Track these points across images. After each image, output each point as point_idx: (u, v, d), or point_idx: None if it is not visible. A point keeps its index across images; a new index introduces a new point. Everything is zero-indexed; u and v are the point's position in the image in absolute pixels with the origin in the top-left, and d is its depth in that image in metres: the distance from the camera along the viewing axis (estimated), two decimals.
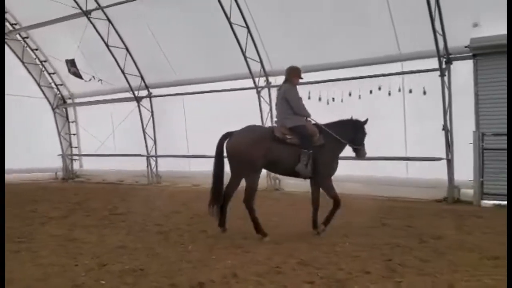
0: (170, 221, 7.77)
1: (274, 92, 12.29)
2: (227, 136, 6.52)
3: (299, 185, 11.87)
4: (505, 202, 8.80)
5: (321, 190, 6.68)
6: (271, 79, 12.19)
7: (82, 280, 4.34)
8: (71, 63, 14.34)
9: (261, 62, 11.95)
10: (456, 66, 9.46)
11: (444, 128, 9.50)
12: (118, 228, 7.06)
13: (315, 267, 4.84)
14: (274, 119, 6.95)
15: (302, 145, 6.40)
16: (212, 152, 12.36)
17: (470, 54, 9.10)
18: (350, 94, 10.46)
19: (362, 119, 6.91)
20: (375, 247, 5.71)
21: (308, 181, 6.79)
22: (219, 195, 6.53)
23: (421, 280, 4.37)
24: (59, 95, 16.75)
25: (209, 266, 4.93)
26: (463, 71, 9.35)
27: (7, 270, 4.56)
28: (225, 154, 6.58)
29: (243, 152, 6.27)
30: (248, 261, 5.09)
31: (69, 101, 16.92)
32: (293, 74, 6.74)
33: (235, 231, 6.74)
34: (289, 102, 6.51)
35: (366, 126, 6.95)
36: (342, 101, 10.57)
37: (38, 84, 16.16)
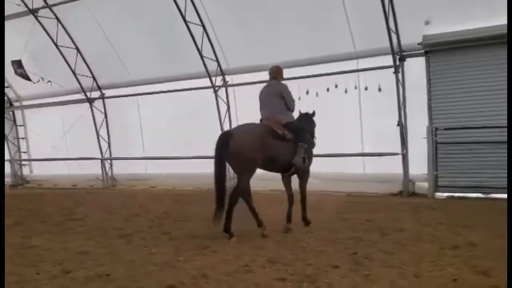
0: (130, 224, 7.57)
1: (231, 91, 12.31)
2: (227, 136, 6.28)
3: (256, 184, 12.00)
4: (458, 194, 9.20)
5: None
6: (227, 78, 12.15)
7: None
8: (17, 64, 13.74)
9: (217, 61, 11.87)
10: (410, 63, 9.75)
11: (399, 123, 9.77)
12: (77, 233, 6.80)
13: (284, 264, 4.84)
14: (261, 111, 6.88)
15: (299, 139, 6.64)
16: (168, 153, 12.23)
17: (422, 51, 9.40)
18: (307, 92, 10.55)
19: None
20: (338, 241, 5.80)
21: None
22: (223, 199, 6.18)
23: (388, 272, 4.46)
24: (5, 98, 15.99)
25: (177, 267, 4.84)
26: (416, 68, 9.65)
27: None
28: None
29: (250, 151, 6.15)
30: (217, 261, 5.03)
31: (16, 104, 16.20)
32: (278, 72, 7.04)
33: (200, 232, 6.67)
34: (285, 99, 6.73)
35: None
36: (299, 99, 10.59)
37: None
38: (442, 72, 9.24)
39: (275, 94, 6.74)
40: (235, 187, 6.31)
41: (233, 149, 6.10)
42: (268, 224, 6.41)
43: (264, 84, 7.17)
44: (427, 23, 9.18)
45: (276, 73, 7.02)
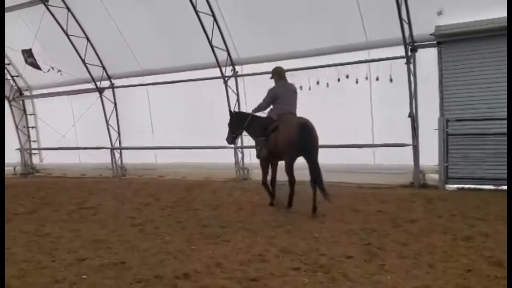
0: (142, 213, 7.65)
1: (241, 82, 12.28)
2: (310, 127, 7.23)
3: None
4: (468, 186, 9.15)
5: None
6: (237, 68, 12.11)
7: (62, 276, 4.21)
8: (28, 54, 13.73)
9: (227, 51, 11.83)
10: (421, 53, 9.65)
11: (410, 114, 9.71)
12: (90, 222, 6.88)
13: (297, 254, 4.88)
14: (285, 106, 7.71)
15: None
16: (177, 143, 12.38)
17: (435, 41, 9.30)
18: (318, 83, 10.50)
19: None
20: (351, 232, 5.81)
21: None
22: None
23: (402, 262, 4.48)
24: (15, 87, 16.07)
25: (190, 256, 4.89)
26: (428, 59, 9.54)
27: None
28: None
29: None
30: (230, 250, 5.08)
31: (26, 93, 16.26)
32: (284, 73, 7.97)
33: (211, 221, 6.72)
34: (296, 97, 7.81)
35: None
36: (310, 89, 10.61)
37: None
38: (454, 63, 9.12)
39: (294, 92, 7.76)
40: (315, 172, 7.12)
41: (315, 140, 7.21)
42: (277, 212, 6.43)
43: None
44: (439, 13, 9.05)
45: (283, 73, 7.91)
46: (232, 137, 8.49)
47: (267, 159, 7.83)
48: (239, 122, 8.27)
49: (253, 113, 8.08)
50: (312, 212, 6.95)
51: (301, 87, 10.65)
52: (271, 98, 7.68)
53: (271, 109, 7.83)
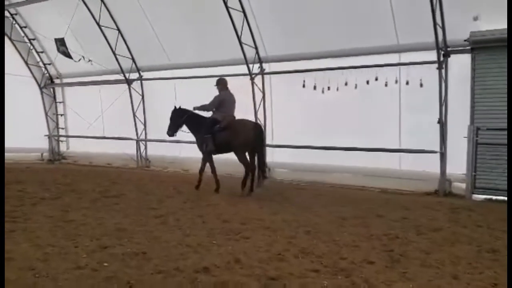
0: (164, 205, 7.70)
1: (267, 79, 12.25)
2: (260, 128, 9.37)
3: (287, 173, 12.00)
4: (496, 197, 8.93)
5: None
6: (265, 65, 12.09)
7: (84, 262, 4.25)
8: (60, 42, 13.99)
9: (256, 48, 11.82)
10: (453, 59, 9.47)
11: (439, 121, 9.54)
12: (113, 211, 6.94)
13: (317, 256, 4.83)
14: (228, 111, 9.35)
15: None
16: None
17: (469, 47, 9.10)
18: (346, 84, 10.40)
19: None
20: (373, 238, 5.72)
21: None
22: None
23: (425, 271, 4.38)
24: (47, 75, 16.40)
25: (211, 251, 4.89)
26: (459, 65, 9.36)
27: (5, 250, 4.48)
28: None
29: None
30: (249, 247, 5.07)
31: (57, 81, 16.57)
32: (227, 84, 9.47)
33: (232, 217, 6.73)
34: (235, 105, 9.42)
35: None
36: (337, 89, 10.53)
37: (26, 63, 15.75)
38: (488, 70, 8.91)
39: (234, 101, 9.38)
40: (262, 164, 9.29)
41: (264, 139, 9.37)
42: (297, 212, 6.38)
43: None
44: (475, 18, 8.85)
45: (227, 84, 9.42)
46: (172, 130, 9.72)
47: (211, 152, 9.24)
48: (179, 118, 9.65)
49: (193, 111, 9.59)
50: (249, 191, 8.87)
51: (328, 88, 10.65)
52: (219, 103, 9.22)
53: (214, 111, 9.32)
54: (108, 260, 4.36)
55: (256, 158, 9.08)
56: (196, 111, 9.62)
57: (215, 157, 9.46)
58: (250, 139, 8.87)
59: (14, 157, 14.74)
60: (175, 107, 9.93)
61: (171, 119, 9.77)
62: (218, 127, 9.04)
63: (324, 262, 4.60)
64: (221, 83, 9.43)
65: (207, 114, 9.61)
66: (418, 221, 6.75)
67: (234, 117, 9.32)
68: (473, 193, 9.18)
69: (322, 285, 3.97)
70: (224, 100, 9.23)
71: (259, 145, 9.09)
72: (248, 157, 9.02)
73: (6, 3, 14.37)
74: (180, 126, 9.71)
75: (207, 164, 9.44)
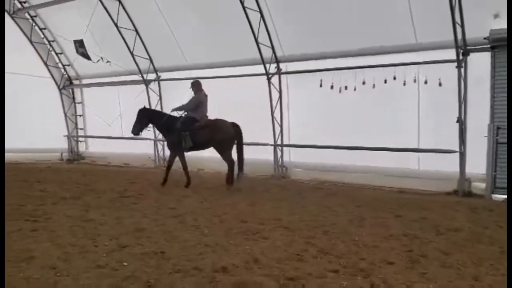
0: (182, 204, 7.75)
1: (284, 79, 12.23)
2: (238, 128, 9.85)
3: (304, 173, 11.97)
4: None
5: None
6: (282, 65, 12.07)
7: (104, 261, 4.29)
8: (79, 44, 14.14)
9: (272, 48, 11.81)
10: (473, 57, 9.33)
11: (459, 120, 9.41)
12: (131, 210, 7.01)
13: (336, 256, 4.80)
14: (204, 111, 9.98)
15: None
16: None
17: (488, 46, 8.95)
18: (363, 83, 10.33)
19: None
20: (392, 238, 5.66)
21: None
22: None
23: (445, 272, 4.33)
24: (66, 76, 16.62)
25: (229, 250, 4.90)
26: (479, 63, 9.21)
27: (26, 249, 4.56)
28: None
29: None
30: (267, 247, 5.06)
31: (76, 82, 16.78)
32: (201, 86, 10.02)
33: (249, 217, 6.73)
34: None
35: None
36: (355, 89, 10.47)
37: (46, 64, 16.00)
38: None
39: (206, 102, 9.92)
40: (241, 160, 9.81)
41: (242, 138, 9.78)
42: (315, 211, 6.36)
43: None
44: (496, 16, 8.70)
45: (201, 86, 9.97)
46: (138, 129, 10.16)
47: (188, 149, 9.81)
48: (146, 117, 10.22)
49: (171, 111, 10.19)
50: (230, 184, 9.58)
51: (346, 87, 10.58)
52: (197, 103, 9.78)
53: (191, 111, 9.81)
54: (127, 259, 4.39)
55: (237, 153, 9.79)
56: (173, 112, 10.20)
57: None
58: (232, 135, 9.63)
59: (34, 157, 15.02)
60: (144, 107, 10.86)
61: (137, 118, 10.22)
62: (198, 125, 9.66)
63: (343, 262, 4.58)
64: (196, 85, 10.00)
65: (177, 114, 10.17)
66: (437, 221, 6.66)
67: (208, 117, 9.91)
68: (493, 193, 9.04)
69: (341, 285, 3.94)
70: (201, 102, 9.83)
71: (239, 142, 9.73)
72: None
73: (26, 5, 14.62)
74: (146, 125, 10.26)
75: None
